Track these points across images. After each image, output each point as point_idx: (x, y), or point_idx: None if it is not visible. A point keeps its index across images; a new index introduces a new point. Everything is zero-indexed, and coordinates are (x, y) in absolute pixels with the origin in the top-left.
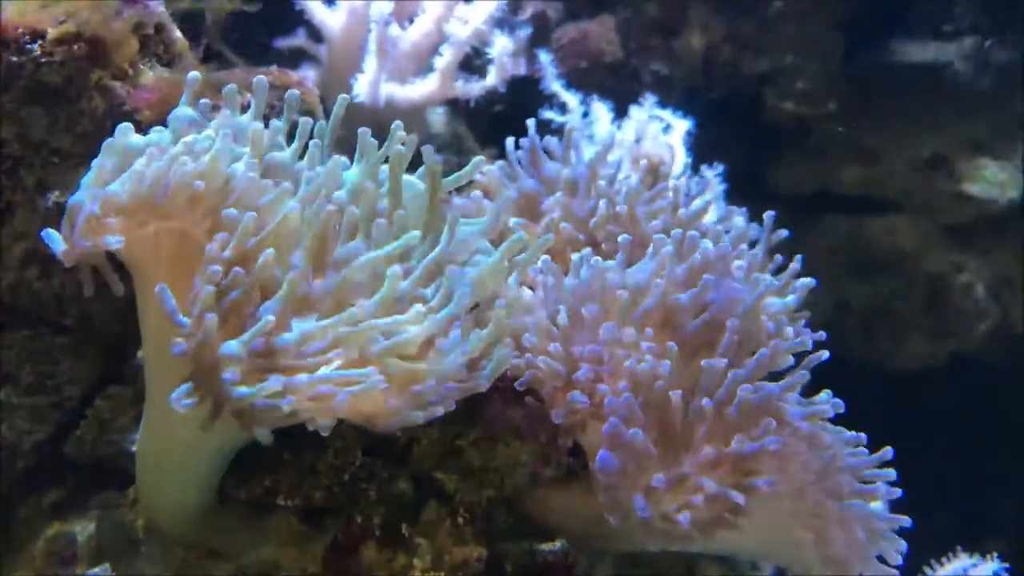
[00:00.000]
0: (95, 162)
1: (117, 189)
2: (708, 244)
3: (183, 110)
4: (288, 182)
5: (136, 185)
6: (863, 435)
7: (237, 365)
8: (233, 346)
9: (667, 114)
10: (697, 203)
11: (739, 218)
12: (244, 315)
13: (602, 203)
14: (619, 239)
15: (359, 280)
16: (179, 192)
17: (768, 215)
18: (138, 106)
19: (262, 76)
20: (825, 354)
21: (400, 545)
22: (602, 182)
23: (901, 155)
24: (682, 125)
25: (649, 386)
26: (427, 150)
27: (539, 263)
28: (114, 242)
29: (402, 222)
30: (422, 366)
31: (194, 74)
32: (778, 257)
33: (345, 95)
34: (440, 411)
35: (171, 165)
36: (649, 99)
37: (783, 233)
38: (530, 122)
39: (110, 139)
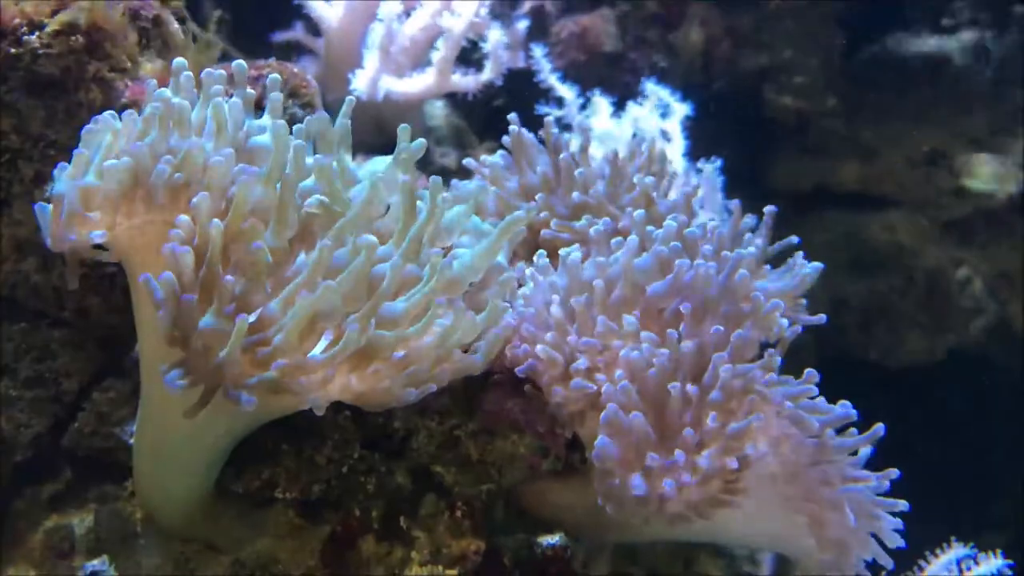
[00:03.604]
0: (76, 151)
1: (98, 182)
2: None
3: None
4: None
5: (117, 179)
6: (852, 411)
7: (224, 343)
8: (209, 320)
9: (666, 94)
10: (673, 194)
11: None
12: (224, 296)
13: (575, 195)
14: (591, 231)
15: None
16: (161, 186)
17: (736, 202)
18: (137, 99)
19: (242, 62)
20: (799, 327)
21: (398, 538)
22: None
23: (899, 151)
24: (681, 109)
25: (644, 374)
26: (435, 180)
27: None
28: (98, 236)
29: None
30: (416, 339)
31: (219, 72)
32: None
33: (352, 97)
34: (433, 387)
35: (151, 158)
36: (650, 81)
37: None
38: (512, 116)
39: (89, 127)
